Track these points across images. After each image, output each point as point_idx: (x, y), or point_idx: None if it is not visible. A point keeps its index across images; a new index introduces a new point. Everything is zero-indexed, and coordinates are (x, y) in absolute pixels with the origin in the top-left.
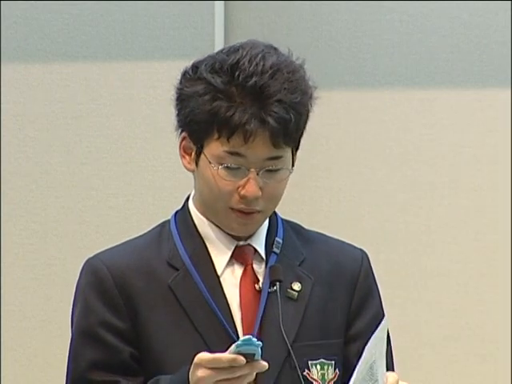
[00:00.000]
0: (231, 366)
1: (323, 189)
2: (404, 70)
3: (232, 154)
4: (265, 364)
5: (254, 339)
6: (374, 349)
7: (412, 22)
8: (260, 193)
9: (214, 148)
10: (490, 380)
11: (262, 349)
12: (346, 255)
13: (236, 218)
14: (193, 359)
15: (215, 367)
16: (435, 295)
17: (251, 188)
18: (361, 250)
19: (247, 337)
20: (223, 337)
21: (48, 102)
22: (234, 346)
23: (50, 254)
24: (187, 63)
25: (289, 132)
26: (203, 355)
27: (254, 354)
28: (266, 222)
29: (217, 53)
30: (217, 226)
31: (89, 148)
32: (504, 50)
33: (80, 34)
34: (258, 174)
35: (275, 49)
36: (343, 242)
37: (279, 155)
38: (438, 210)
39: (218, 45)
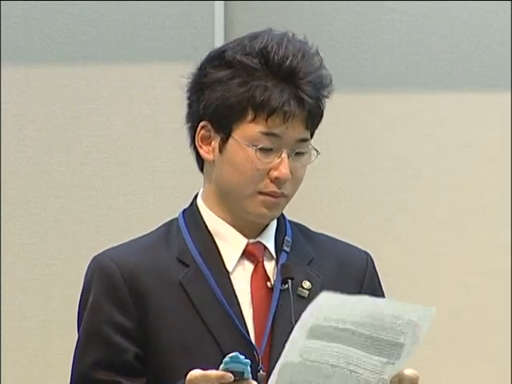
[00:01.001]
0: None
1: (323, 189)
2: (404, 70)
3: (268, 134)
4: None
5: (242, 357)
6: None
7: (412, 22)
8: (291, 175)
9: (247, 130)
10: (490, 380)
11: (251, 367)
12: (352, 257)
13: (264, 201)
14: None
15: None
16: (435, 295)
17: (285, 169)
18: (365, 252)
19: (234, 354)
20: (235, 335)
21: (48, 102)
22: (222, 363)
23: (50, 253)
24: (187, 63)
25: (321, 112)
26: (195, 372)
27: (243, 373)
28: (275, 221)
29: (235, 40)
30: (228, 223)
31: (89, 148)
32: (504, 50)
33: (80, 34)
34: (288, 157)
35: (293, 35)
36: (348, 244)
37: (307, 137)
38: (438, 209)
39: (218, 45)
